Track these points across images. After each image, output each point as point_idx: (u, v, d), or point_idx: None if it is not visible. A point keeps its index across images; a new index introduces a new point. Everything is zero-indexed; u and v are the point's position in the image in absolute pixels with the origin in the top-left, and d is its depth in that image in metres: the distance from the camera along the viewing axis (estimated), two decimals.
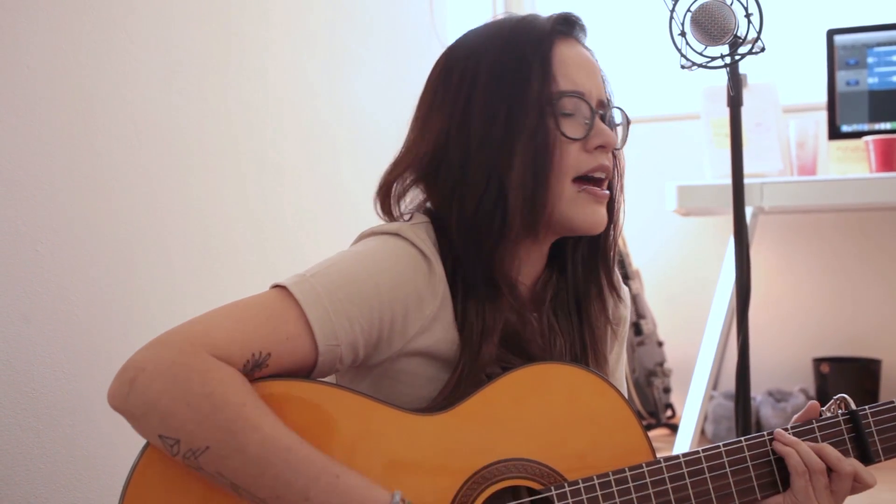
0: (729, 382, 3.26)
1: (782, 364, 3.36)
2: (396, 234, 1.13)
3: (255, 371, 1.02)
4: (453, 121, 1.16)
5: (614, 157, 1.23)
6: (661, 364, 3.28)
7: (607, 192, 1.20)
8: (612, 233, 1.26)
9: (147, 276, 1.79)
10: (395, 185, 1.21)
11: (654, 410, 3.23)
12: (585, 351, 1.24)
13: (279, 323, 1.04)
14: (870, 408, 1.19)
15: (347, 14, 2.60)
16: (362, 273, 1.08)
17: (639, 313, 3.25)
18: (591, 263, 1.26)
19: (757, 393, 3.19)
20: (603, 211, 1.19)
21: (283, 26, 2.30)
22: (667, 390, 3.30)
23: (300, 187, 2.32)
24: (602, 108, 1.19)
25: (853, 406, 1.19)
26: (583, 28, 1.23)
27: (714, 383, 3.05)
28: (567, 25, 1.21)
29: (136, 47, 1.79)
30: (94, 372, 1.62)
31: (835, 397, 1.21)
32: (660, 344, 3.33)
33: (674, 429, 3.12)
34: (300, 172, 2.33)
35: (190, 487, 1.01)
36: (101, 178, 1.69)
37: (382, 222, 1.22)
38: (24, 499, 1.50)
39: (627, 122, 1.23)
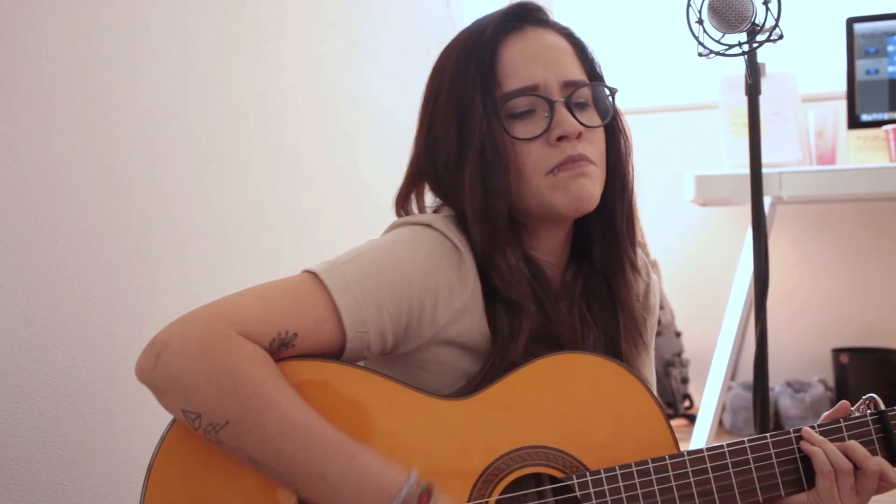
0: (747, 373, 3.24)
1: (801, 354, 3.35)
2: (429, 226, 1.13)
3: (282, 350, 1.03)
4: (422, 139, 1.20)
5: (618, 130, 1.21)
6: (678, 354, 3.27)
7: (589, 164, 1.14)
8: (622, 206, 1.22)
9: (163, 267, 1.80)
10: (403, 194, 1.25)
11: (672, 401, 3.23)
12: (619, 332, 1.22)
13: (307, 306, 1.05)
14: None
15: (363, 4, 2.60)
16: (392, 262, 1.09)
17: None
18: (611, 241, 1.22)
19: (775, 383, 3.18)
20: (586, 182, 1.14)
21: (299, 17, 2.30)
22: (685, 381, 3.29)
23: (315, 179, 2.32)
24: (569, 89, 1.15)
25: (882, 406, 1.18)
26: (537, 10, 1.19)
27: (732, 374, 3.04)
28: (516, 18, 1.18)
29: (153, 38, 1.79)
30: (111, 361, 1.63)
31: (864, 397, 1.19)
32: (677, 334, 3.32)
33: (692, 419, 3.11)
34: (315, 164, 2.33)
35: (215, 462, 1.03)
36: (117, 169, 1.70)
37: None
38: (45, 485, 1.51)
39: (612, 91, 1.19)
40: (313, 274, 1.07)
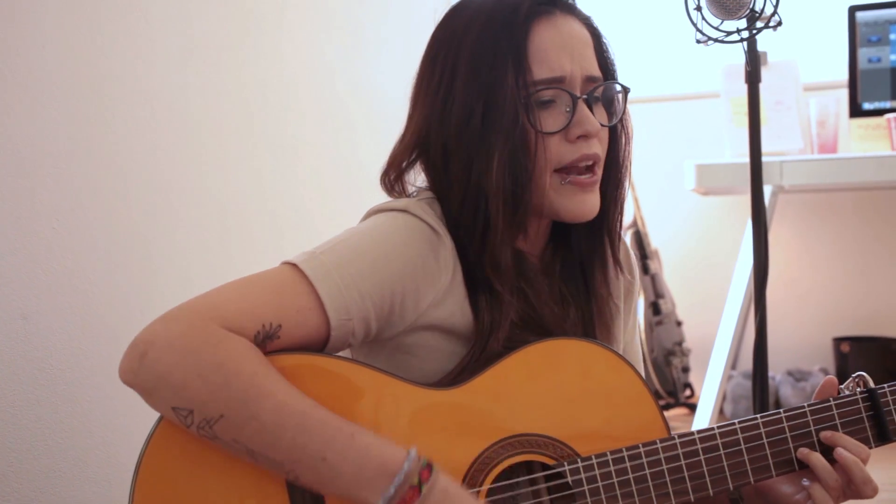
0: (748, 362, 3.22)
1: (802, 343, 3.34)
2: (405, 211, 1.12)
3: (267, 342, 1.03)
4: (434, 112, 1.15)
5: (621, 129, 1.21)
6: (679, 343, 3.26)
7: (596, 177, 1.16)
8: (615, 206, 1.22)
9: (163, 254, 1.80)
10: (396, 164, 1.21)
11: (673, 390, 3.22)
12: (593, 320, 1.22)
13: (289, 297, 1.04)
14: (888, 386, 1.18)
15: None
16: (372, 248, 1.09)
17: (657, 293, 3.24)
18: (595, 235, 1.22)
19: (776, 372, 3.18)
20: (592, 198, 1.16)
21: (300, 5, 2.30)
22: (685, 370, 3.28)
23: (316, 167, 2.32)
24: (591, 84, 1.15)
25: (871, 384, 1.18)
26: None
27: (733, 363, 3.04)
28: (547, 1, 1.15)
29: (151, 27, 1.79)
30: (110, 348, 1.63)
31: (853, 375, 1.20)
32: (678, 323, 3.32)
33: (692, 408, 3.11)
34: (317, 152, 2.33)
35: (204, 459, 1.02)
36: (116, 157, 1.70)
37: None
38: (44, 473, 1.52)
39: (625, 90, 1.19)
40: (293, 265, 1.07)
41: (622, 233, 1.27)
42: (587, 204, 1.15)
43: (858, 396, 1.18)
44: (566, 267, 1.23)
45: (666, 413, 3.26)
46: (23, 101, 1.51)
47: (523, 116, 1.11)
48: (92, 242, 1.63)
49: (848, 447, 1.14)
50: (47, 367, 1.54)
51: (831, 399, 1.17)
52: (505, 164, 1.10)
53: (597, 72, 1.16)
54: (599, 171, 1.17)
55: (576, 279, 1.23)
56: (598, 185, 1.16)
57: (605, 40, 1.20)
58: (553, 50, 1.13)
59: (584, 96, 1.14)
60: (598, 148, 1.15)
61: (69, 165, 1.59)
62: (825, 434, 1.15)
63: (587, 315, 1.22)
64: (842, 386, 1.20)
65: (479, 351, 1.12)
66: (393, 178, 1.21)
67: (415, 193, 1.21)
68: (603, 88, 1.17)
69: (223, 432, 0.99)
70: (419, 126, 1.17)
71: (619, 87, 1.18)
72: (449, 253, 1.12)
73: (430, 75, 1.17)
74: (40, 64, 1.54)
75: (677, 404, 3.24)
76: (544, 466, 1.11)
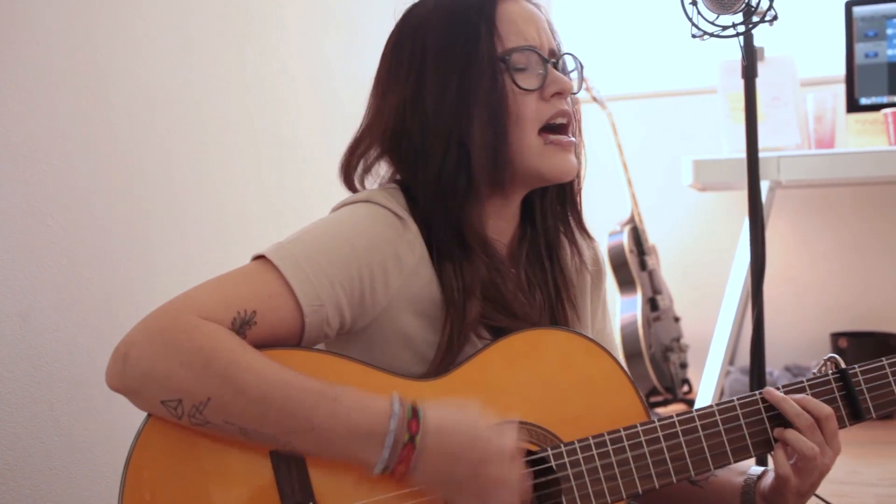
0: (746, 357, 3.22)
1: (800, 339, 3.35)
2: (367, 201, 1.16)
3: (245, 329, 1.05)
4: (408, 93, 1.19)
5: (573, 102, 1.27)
6: (677, 339, 3.27)
7: (573, 140, 1.22)
8: (578, 178, 1.28)
9: (162, 251, 1.80)
10: (360, 161, 1.25)
11: (671, 386, 3.22)
12: (559, 295, 1.27)
13: (261, 284, 1.08)
14: (859, 366, 1.22)
15: None
16: (338, 235, 1.12)
17: (655, 289, 3.24)
18: (560, 210, 1.29)
19: (774, 368, 3.18)
20: (572, 158, 1.22)
21: (299, 3, 2.30)
22: (683, 366, 3.29)
23: (315, 164, 2.32)
24: (553, 57, 1.22)
25: (843, 365, 1.22)
26: None
27: (731, 358, 3.04)
28: None
29: (149, 23, 1.79)
30: (108, 347, 1.60)
31: (824, 358, 1.23)
32: (676, 319, 3.32)
33: (690, 404, 3.11)
34: (315, 149, 2.32)
35: (193, 452, 1.04)
36: (114, 154, 1.70)
37: None
38: (40, 471, 1.52)
39: (581, 66, 1.27)
40: (261, 257, 1.11)
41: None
42: (568, 162, 1.21)
43: (831, 377, 1.21)
44: (533, 253, 1.28)
45: (664, 409, 3.27)
46: (19, 98, 1.51)
47: (503, 76, 1.17)
48: (90, 240, 1.63)
49: (808, 405, 1.16)
50: (45, 367, 1.54)
51: (804, 380, 1.21)
52: (486, 121, 1.16)
53: (556, 47, 1.24)
54: (574, 135, 1.23)
55: (541, 259, 1.28)
56: (574, 148, 1.22)
57: (552, 24, 1.28)
58: (521, 22, 1.20)
59: (553, 60, 1.22)
60: (570, 109, 1.22)
61: (66, 163, 1.59)
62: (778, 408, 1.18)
63: (554, 298, 1.26)
64: (814, 370, 1.23)
65: (460, 318, 1.14)
66: (361, 171, 1.25)
67: (376, 186, 1.24)
68: (563, 61, 1.24)
69: (213, 415, 1.01)
70: (395, 110, 1.20)
71: (577, 63, 1.26)
72: (414, 236, 1.15)
73: (398, 63, 1.22)
74: (37, 60, 1.54)
75: (675, 400, 3.24)
76: (528, 453, 1.12)
